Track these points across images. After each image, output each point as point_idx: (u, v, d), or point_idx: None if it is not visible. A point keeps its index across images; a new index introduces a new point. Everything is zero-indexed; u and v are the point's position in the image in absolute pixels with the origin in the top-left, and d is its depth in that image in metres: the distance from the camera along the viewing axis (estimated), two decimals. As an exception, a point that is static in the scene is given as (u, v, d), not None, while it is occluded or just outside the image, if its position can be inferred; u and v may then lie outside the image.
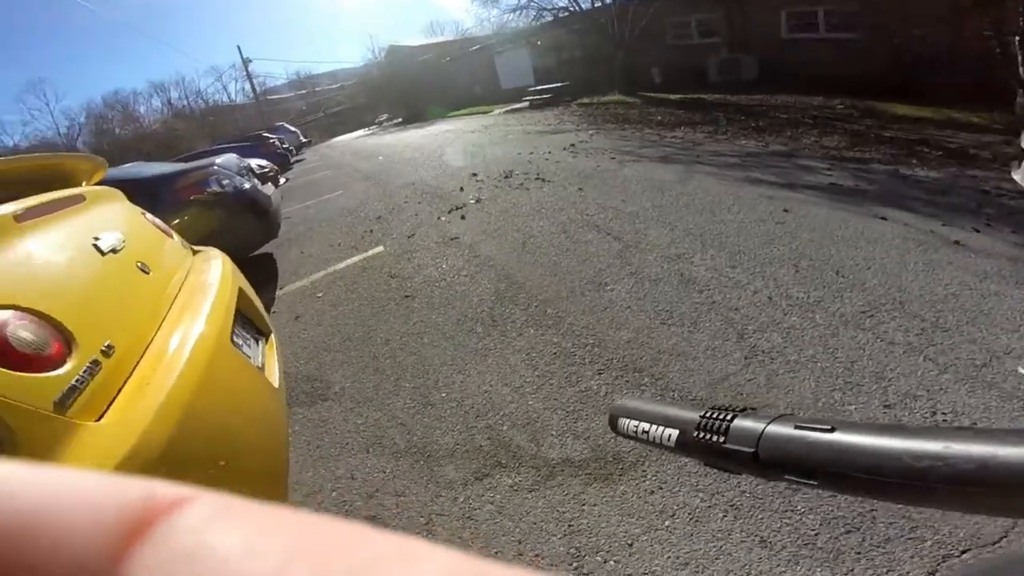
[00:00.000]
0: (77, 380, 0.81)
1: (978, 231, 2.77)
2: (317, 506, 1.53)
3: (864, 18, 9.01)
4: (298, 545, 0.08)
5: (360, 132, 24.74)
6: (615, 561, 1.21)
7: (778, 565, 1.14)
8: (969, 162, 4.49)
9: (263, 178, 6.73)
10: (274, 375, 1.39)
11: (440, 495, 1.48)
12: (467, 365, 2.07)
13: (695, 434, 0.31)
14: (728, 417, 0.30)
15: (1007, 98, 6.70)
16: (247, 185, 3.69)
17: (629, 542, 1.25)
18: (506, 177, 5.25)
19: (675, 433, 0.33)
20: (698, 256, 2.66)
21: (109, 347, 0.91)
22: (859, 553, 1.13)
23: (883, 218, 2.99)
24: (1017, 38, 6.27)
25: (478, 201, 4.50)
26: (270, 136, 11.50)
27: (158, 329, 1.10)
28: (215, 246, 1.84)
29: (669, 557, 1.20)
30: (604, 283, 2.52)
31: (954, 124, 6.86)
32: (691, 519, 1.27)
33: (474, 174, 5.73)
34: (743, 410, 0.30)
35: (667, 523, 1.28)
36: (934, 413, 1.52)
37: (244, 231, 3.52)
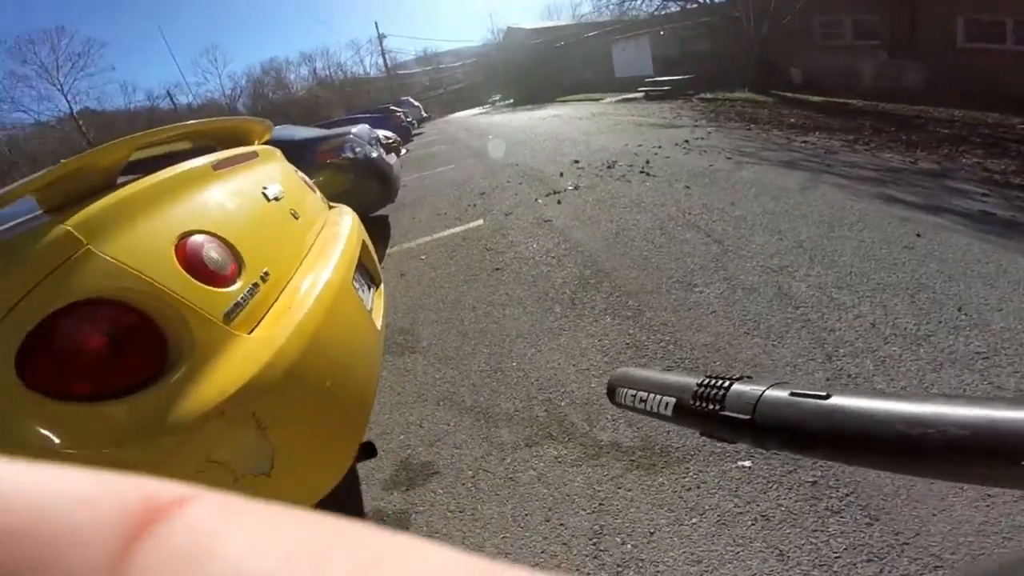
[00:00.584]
0: (241, 298, 1.02)
1: None
2: (385, 447, 1.78)
3: None
4: (299, 543, 0.08)
5: (475, 110, 25.64)
6: (632, 545, 1.28)
7: None
8: None
9: (388, 148, 7.42)
10: (378, 319, 1.62)
11: (491, 454, 1.65)
12: (540, 341, 2.20)
13: (692, 402, 0.31)
14: (725, 384, 0.29)
15: None
16: (374, 154, 4.14)
17: (651, 531, 1.31)
18: (608, 167, 5.22)
19: (672, 401, 0.32)
20: (803, 271, 2.49)
21: (266, 274, 1.14)
22: None
23: (1047, 261, 2.54)
24: None
25: (576, 188, 4.56)
26: (397, 109, 12.46)
27: (299, 266, 1.34)
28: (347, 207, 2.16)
29: (684, 552, 1.24)
30: (693, 284, 2.48)
31: None
32: (718, 521, 1.29)
33: (576, 161, 5.76)
34: (740, 378, 0.30)
35: (694, 520, 1.31)
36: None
37: (368, 194, 3.98)
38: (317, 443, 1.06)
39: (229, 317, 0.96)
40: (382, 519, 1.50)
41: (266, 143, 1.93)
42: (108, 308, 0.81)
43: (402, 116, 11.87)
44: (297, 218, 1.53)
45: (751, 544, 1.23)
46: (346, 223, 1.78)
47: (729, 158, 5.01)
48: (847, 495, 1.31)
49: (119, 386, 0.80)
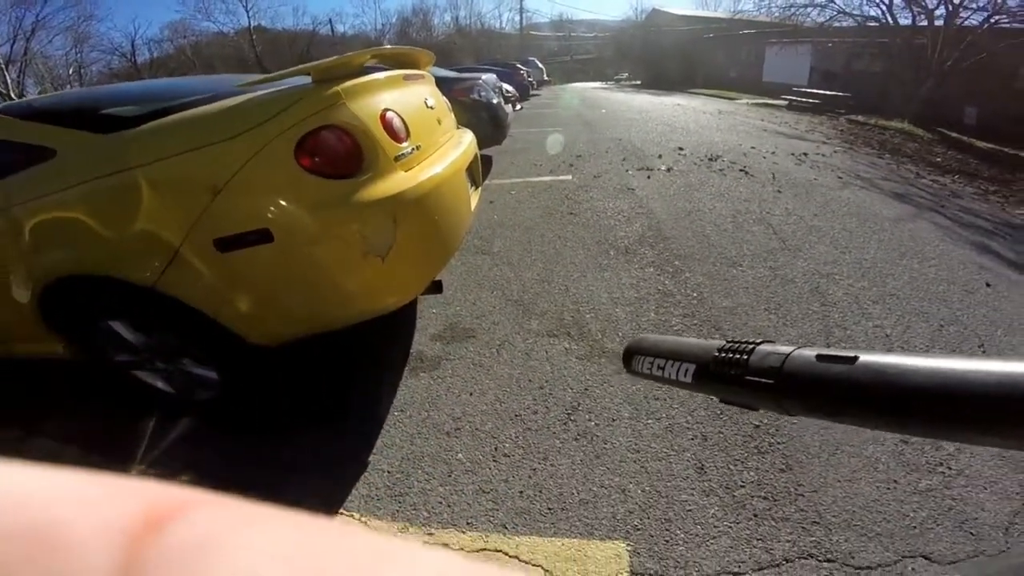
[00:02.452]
0: (405, 151, 1.61)
1: None
2: (443, 311, 2.31)
3: None
4: (300, 547, 0.08)
5: (596, 84, 25.23)
6: (595, 423, 1.64)
7: (693, 488, 1.47)
8: None
9: (507, 99, 7.94)
10: (473, 204, 2.19)
11: (518, 334, 2.13)
12: (588, 271, 2.63)
13: (713, 368, 0.30)
14: (748, 348, 0.29)
15: None
16: (495, 100, 4.69)
17: (614, 418, 1.66)
18: (710, 160, 5.29)
19: (692, 368, 0.32)
20: (847, 281, 2.63)
21: (419, 146, 1.73)
22: (756, 515, 1.35)
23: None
24: None
25: (669, 170, 4.76)
26: (521, 68, 12.87)
27: (438, 150, 1.94)
28: None
29: (630, 440, 1.58)
30: (739, 264, 2.73)
31: None
32: (667, 427, 1.63)
33: (680, 148, 5.86)
34: (761, 342, 0.29)
35: (649, 421, 1.66)
36: (939, 464, 1.53)
37: (484, 131, 4.56)
38: (415, 256, 1.61)
39: (397, 160, 1.56)
40: (420, 359, 2.04)
41: (427, 72, 2.59)
42: (342, 132, 1.42)
43: (524, 75, 12.30)
44: (440, 123, 2.14)
45: (683, 453, 1.54)
46: (467, 138, 2.41)
47: (840, 177, 4.86)
48: (777, 443, 1.58)
49: (339, 173, 1.41)
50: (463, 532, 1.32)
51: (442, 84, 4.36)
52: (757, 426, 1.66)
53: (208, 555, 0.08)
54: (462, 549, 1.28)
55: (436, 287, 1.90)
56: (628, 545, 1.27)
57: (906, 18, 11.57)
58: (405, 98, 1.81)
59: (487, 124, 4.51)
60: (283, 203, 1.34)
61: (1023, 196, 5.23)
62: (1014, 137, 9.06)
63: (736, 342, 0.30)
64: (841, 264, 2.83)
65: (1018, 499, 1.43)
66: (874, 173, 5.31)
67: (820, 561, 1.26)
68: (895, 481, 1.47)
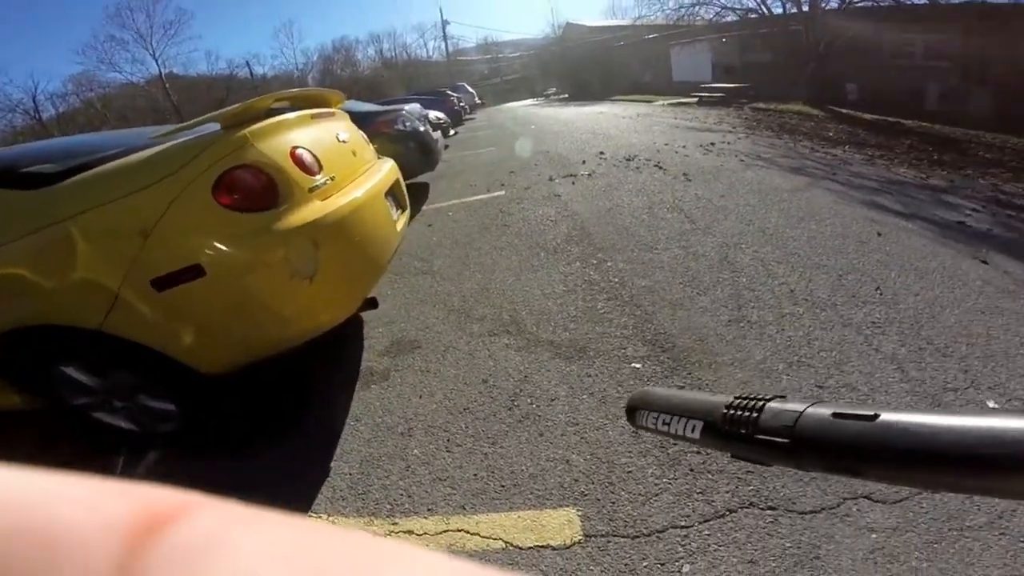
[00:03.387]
0: (319, 183, 1.75)
1: None
2: (387, 328, 2.43)
3: None
4: (300, 550, 0.08)
5: (528, 101, 26.19)
6: (536, 405, 1.79)
7: (630, 451, 1.67)
8: None
9: (437, 127, 8.17)
10: (399, 226, 2.33)
11: (461, 338, 2.26)
12: (522, 273, 2.80)
13: (722, 425, 0.29)
14: (759, 405, 0.28)
15: None
16: (421, 128, 4.87)
17: (553, 398, 1.82)
18: (628, 160, 5.68)
19: (699, 424, 0.31)
20: (753, 248, 2.94)
21: (333, 177, 1.87)
22: (693, 470, 1.50)
23: (984, 262, 2.83)
24: None
25: (591, 174, 5.09)
26: (451, 94, 13.24)
27: (353, 180, 2.08)
28: None
29: (569, 415, 1.73)
30: (655, 247, 2.99)
31: None
32: (600, 400, 1.79)
33: (601, 152, 6.26)
34: (771, 398, 0.28)
35: (584, 396, 1.81)
36: (864, 401, 1.77)
37: (412, 160, 4.72)
38: (342, 276, 1.73)
39: (312, 191, 1.70)
40: (371, 373, 2.13)
41: (339, 108, 2.74)
42: (255, 169, 1.55)
43: (455, 100, 12.68)
44: (355, 155, 2.29)
45: (617, 420, 1.68)
46: (386, 166, 2.56)
47: (742, 160, 5.35)
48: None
49: (258, 207, 1.53)
50: (425, 518, 1.40)
51: (365, 118, 4.55)
52: (681, 387, 1.85)
53: (208, 556, 0.08)
54: (425, 533, 1.37)
55: (371, 303, 2.02)
56: (578, 510, 1.38)
57: (779, 7, 12.81)
58: (316, 135, 1.95)
59: (416, 152, 4.68)
60: (209, 239, 1.46)
61: (903, 157, 5.93)
62: (890, 106, 10.24)
63: (745, 398, 0.29)
64: (746, 235, 3.15)
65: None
66: (773, 153, 5.87)
67: (762, 509, 1.34)
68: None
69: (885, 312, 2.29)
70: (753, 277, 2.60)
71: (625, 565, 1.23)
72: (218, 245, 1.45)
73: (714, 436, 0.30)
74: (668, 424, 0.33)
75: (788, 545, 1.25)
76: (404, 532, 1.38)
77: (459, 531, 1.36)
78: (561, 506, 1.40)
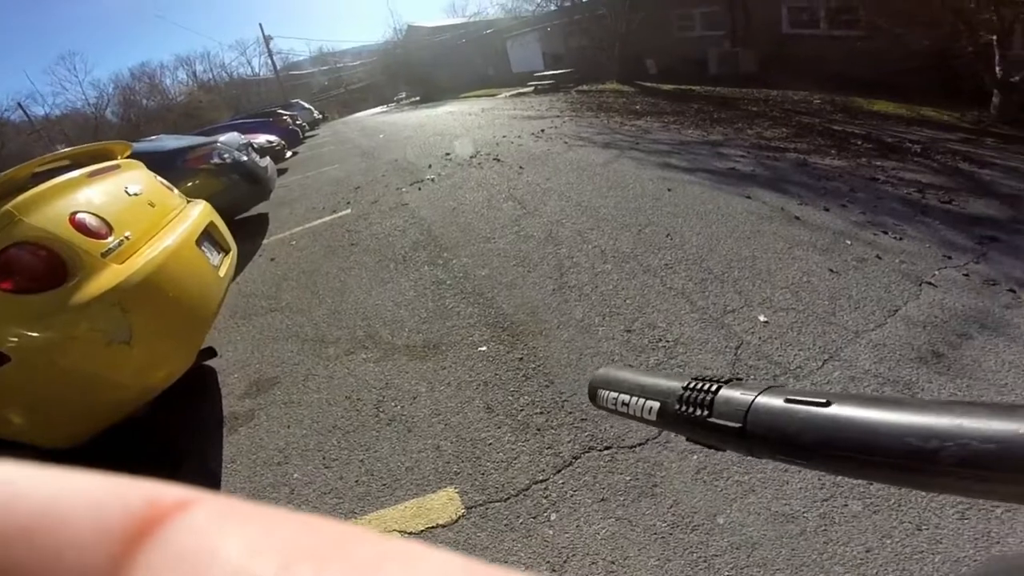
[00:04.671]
0: (112, 246, 1.69)
1: (828, 210, 3.28)
2: (242, 371, 2.39)
3: (864, 15, 8.93)
4: (300, 546, 0.08)
5: (377, 109, 25.50)
6: (401, 406, 1.94)
7: (487, 426, 1.92)
8: (890, 154, 4.92)
9: (270, 152, 7.67)
10: (223, 271, 2.27)
11: (319, 364, 2.31)
12: (373, 288, 2.90)
13: (677, 407, 0.29)
14: (713, 388, 0.28)
15: (985, 98, 6.97)
16: (243, 158, 4.57)
17: (415, 396, 1.97)
18: (471, 157, 6.01)
19: (656, 406, 0.31)
20: (571, 221, 3.40)
21: (128, 235, 1.81)
22: (539, 429, 1.72)
23: (748, 197, 3.60)
24: (995, 38, 6.51)
25: (436, 178, 5.30)
26: (284, 113, 12.41)
27: (155, 234, 2.01)
28: (218, 204, 2.83)
29: (431, 408, 1.89)
30: (493, 238, 3.30)
31: (921, 121, 7.11)
32: (457, 387, 1.98)
33: (447, 153, 6.50)
34: (728, 380, 0.29)
35: (442, 387, 2.00)
36: (659, 340, 2.10)
37: (239, 194, 4.43)
38: (164, 332, 1.71)
39: (104, 255, 1.64)
40: (235, 418, 2.10)
41: (132, 154, 2.59)
42: (31, 246, 1.47)
43: (289, 119, 11.92)
44: (153, 206, 2.17)
45: (472, 402, 1.89)
46: (196, 210, 2.46)
47: (566, 143, 6.00)
48: (539, 367, 2.03)
49: (44, 286, 1.46)
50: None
51: (175, 157, 4.17)
52: (520, 359, 2.12)
53: (208, 553, 0.08)
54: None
55: (209, 353, 2.00)
56: (456, 488, 1.56)
57: None
58: (99, 193, 1.87)
59: (243, 184, 4.41)
60: (3, 327, 1.41)
61: (691, 120, 7.11)
62: (682, 76, 12.01)
63: (702, 379, 0.29)
64: (567, 210, 3.62)
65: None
66: (591, 131, 6.65)
67: (600, 451, 1.58)
68: (630, 366, 1.97)
69: (675, 254, 2.85)
70: (572, 246, 3.03)
71: (506, 525, 1.43)
72: (17, 330, 1.41)
73: (670, 419, 0.30)
74: (627, 405, 0.33)
75: (628, 479, 1.49)
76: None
77: (355, 533, 1.48)
78: (440, 488, 1.57)
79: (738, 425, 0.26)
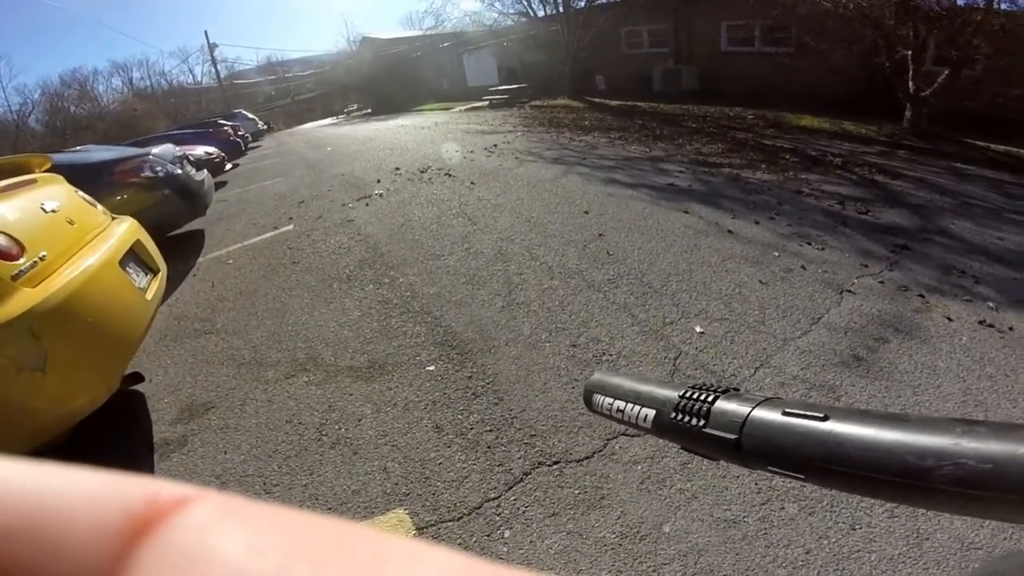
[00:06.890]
0: (24, 268, 1.57)
1: (758, 223, 3.51)
2: (173, 396, 2.23)
3: (793, 34, 9.44)
4: (300, 544, 0.08)
5: (326, 121, 24.92)
6: (345, 429, 1.86)
7: (436, 445, 1.87)
8: (814, 167, 5.31)
9: (209, 164, 7.29)
10: (151, 293, 2.13)
11: (257, 388, 2.19)
12: (315, 309, 2.79)
13: (673, 416, 0.29)
14: (709, 399, 0.28)
15: (900, 111, 7.58)
16: (177, 172, 4.31)
17: (360, 418, 1.91)
18: (421, 172, 5.96)
19: (651, 414, 0.31)
20: (520, 238, 3.44)
21: (43, 256, 1.67)
22: (490, 447, 1.70)
23: (686, 212, 3.79)
24: (910, 53, 7.03)
25: (384, 193, 5.21)
26: (224, 123, 11.85)
27: (74, 254, 1.87)
28: (148, 221, 2.65)
29: (377, 430, 1.82)
30: (442, 255, 3.27)
31: (843, 135, 7.70)
32: (404, 407, 1.94)
33: (397, 168, 6.41)
34: (725, 391, 0.28)
35: (388, 409, 1.94)
36: (603, 353, 2.14)
37: (172, 210, 4.16)
38: (82, 359, 1.58)
39: (15, 278, 1.52)
40: (166, 444, 1.94)
41: (54, 167, 2.44)
42: None
43: (231, 130, 11.39)
44: (73, 224, 2.03)
45: (421, 422, 1.85)
46: (121, 228, 2.34)
47: (517, 158, 6.08)
48: (487, 385, 2.01)
49: None
50: None
51: (101, 170, 3.87)
52: (469, 377, 2.10)
53: (207, 550, 0.07)
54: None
55: (135, 378, 1.87)
56: (405, 509, 1.51)
57: (542, 10, 14.55)
58: (12, 211, 1.74)
59: (176, 199, 4.14)
60: None
61: (636, 136, 7.42)
62: (629, 92, 12.53)
63: (698, 388, 0.29)
64: (516, 227, 3.65)
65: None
66: (542, 147, 6.79)
67: (549, 465, 1.59)
68: (575, 380, 1.98)
69: (617, 269, 2.93)
70: (521, 263, 3.06)
71: (459, 544, 1.39)
72: None
73: (665, 427, 0.30)
74: (622, 412, 0.33)
75: (577, 492, 1.50)
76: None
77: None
78: (389, 510, 1.52)
79: (734, 437, 0.25)
